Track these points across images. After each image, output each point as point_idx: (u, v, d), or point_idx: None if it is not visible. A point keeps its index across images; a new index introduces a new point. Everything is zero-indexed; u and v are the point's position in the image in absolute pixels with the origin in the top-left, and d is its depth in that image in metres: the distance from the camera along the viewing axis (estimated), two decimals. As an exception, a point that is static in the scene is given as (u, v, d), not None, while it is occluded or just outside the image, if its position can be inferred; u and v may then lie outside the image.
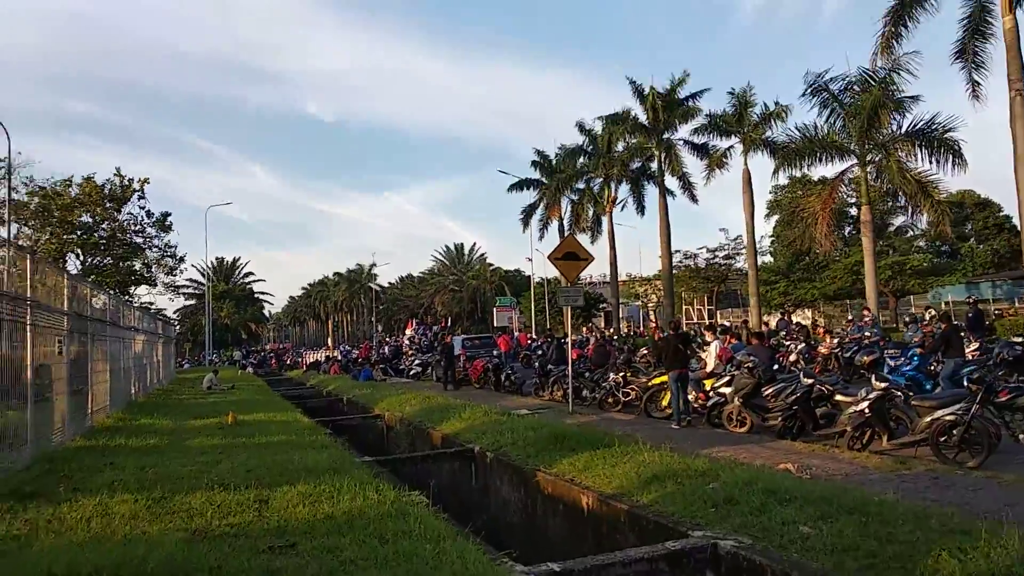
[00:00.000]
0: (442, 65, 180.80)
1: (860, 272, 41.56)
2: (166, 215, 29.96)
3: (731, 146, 29.38)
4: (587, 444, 9.36)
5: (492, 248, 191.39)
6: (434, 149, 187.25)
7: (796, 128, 24.14)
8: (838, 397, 9.98)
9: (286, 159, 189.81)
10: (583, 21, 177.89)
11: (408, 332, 65.10)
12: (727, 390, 11.81)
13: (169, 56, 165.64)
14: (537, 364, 19.64)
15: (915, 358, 14.78)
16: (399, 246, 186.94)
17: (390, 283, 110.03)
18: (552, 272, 71.94)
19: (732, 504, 6.29)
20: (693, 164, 35.83)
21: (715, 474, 7.30)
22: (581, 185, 38.64)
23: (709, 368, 12.90)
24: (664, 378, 13.21)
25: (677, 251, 61.51)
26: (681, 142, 32.02)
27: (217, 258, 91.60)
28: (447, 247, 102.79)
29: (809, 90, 22.99)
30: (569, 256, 14.41)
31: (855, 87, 22.70)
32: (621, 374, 14.62)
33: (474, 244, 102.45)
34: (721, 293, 58.81)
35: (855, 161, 23.33)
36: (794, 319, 40.49)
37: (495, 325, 61.67)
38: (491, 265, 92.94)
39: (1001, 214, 50.28)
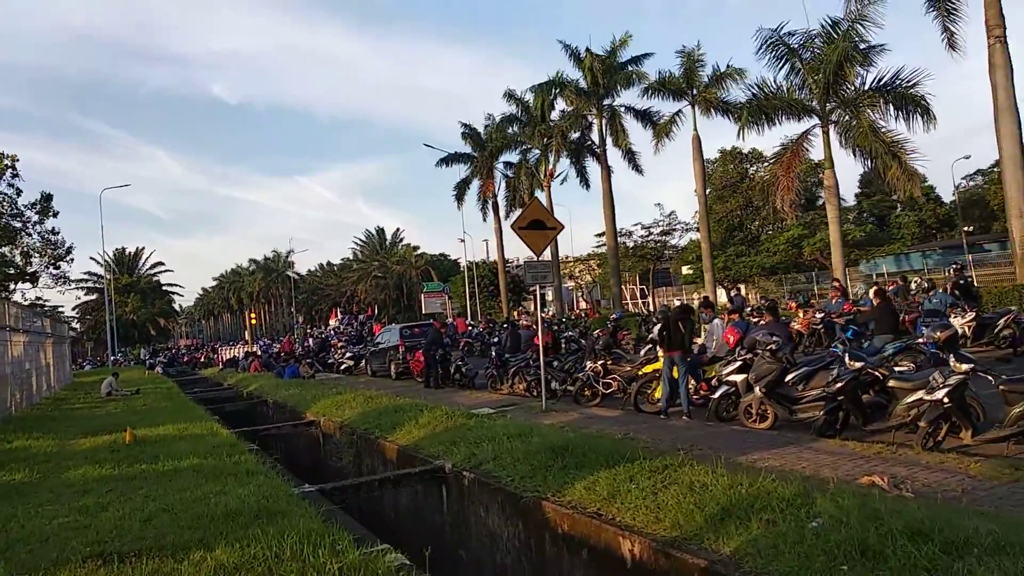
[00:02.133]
0: (351, 43, 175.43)
1: (801, 245, 41.18)
2: (48, 197, 25.98)
3: (679, 111, 27.74)
4: (599, 458, 7.26)
5: (415, 234, 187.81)
6: (346, 131, 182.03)
7: (756, 85, 22.49)
8: (892, 383, 8.21)
9: (191, 144, 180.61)
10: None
11: (332, 322, 61.92)
12: (738, 378, 9.95)
13: (58, 33, 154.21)
14: (493, 353, 17.43)
15: (849, 333, 13.61)
16: (316, 233, 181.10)
17: (309, 271, 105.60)
18: (480, 254, 69.85)
19: (875, 559, 4.29)
20: (636, 134, 34.23)
21: (806, 501, 5.32)
22: (516, 158, 36.55)
23: (712, 351, 11.01)
24: (657, 366, 11.27)
25: (602, 233, 60.76)
26: (623, 108, 30.21)
27: (118, 249, 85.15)
28: (368, 232, 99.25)
29: (765, 45, 21.43)
30: (535, 225, 12.25)
31: (816, 41, 21.27)
32: (600, 362, 12.59)
33: (397, 229, 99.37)
34: (657, 272, 57.99)
35: (816, 121, 21.94)
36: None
37: (424, 312, 59.30)
38: (416, 250, 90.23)
39: (925, 184, 51.10)
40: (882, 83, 20.29)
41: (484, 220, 41.69)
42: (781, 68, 21.55)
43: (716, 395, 10.19)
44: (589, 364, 12.76)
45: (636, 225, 50.98)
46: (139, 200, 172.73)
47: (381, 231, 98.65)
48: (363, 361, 27.14)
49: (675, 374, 10.75)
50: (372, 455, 11.34)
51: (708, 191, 53.36)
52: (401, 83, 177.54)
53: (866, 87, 20.67)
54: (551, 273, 12.04)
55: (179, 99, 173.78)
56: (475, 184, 39.45)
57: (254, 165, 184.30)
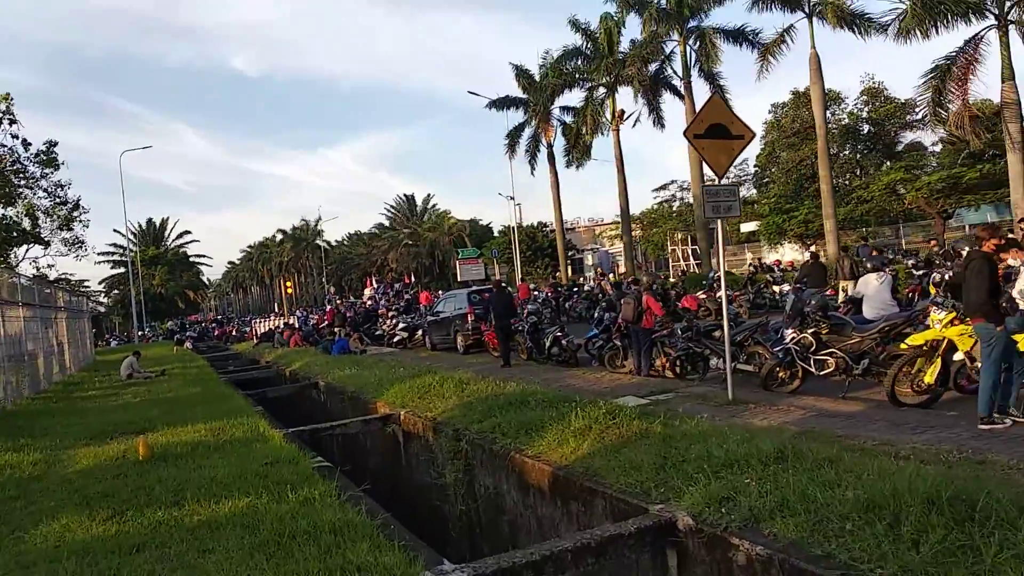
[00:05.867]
0: (369, 10, 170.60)
1: (900, 191, 36.51)
2: (51, 145, 22.34)
3: (791, 25, 23.21)
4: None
5: (442, 202, 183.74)
6: (368, 102, 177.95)
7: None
8: None
9: (213, 119, 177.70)
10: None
11: (367, 292, 58.75)
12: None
13: (78, 9, 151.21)
14: (606, 319, 13.62)
15: None
16: (341, 205, 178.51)
17: (337, 241, 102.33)
18: (506, 219, 65.85)
19: None
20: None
21: None
22: (575, 102, 32.36)
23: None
24: (933, 334, 7.36)
25: (664, 186, 56.36)
26: (713, 30, 25.77)
27: (146, 220, 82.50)
28: (398, 198, 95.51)
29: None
30: (715, 131, 8.38)
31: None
32: (811, 330, 8.70)
33: (427, 195, 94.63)
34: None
35: (990, 23, 17.43)
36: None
37: (459, 279, 55.94)
38: (448, 215, 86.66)
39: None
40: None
41: (533, 174, 37.67)
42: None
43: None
44: (791, 333, 8.88)
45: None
46: (163, 175, 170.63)
47: (411, 197, 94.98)
48: (419, 332, 23.62)
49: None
50: (499, 475, 7.62)
51: (773, 137, 48.66)
52: (421, 51, 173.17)
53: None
54: (737, 202, 8.13)
55: (199, 74, 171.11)
56: (526, 134, 35.44)
57: (276, 138, 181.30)
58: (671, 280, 27.38)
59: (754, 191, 52.33)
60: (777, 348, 9.05)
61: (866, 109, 42.99)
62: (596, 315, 15.15)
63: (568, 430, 7.17)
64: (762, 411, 7.97)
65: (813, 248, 35.37)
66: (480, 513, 8.15)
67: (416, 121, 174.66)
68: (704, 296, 19.88)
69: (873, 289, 9.82)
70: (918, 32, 17.60)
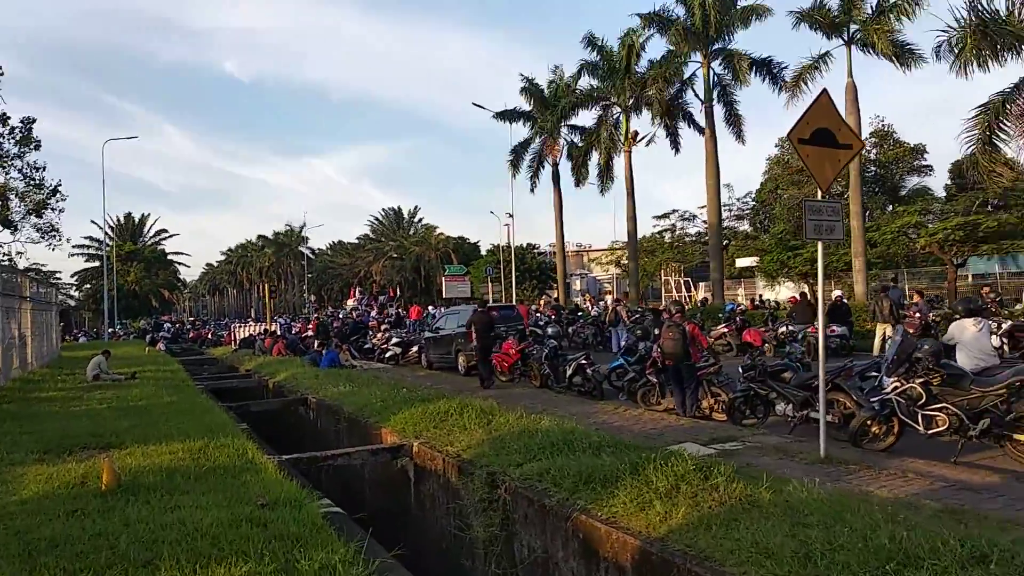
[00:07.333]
0: (363, 24, 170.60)
1: (910, 235, 35.65)
2: (30, 122, 20.55)
3: (826, 52, 22.24)
4: None
5: (429, 218, 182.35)
6: (357, 113, 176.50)
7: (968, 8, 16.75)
8: None
9: (200, 120, 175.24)
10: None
11: (350, 303, 57.22)
12: None
13: (73, 3, 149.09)
14: (640, 348, 12.21)
15: None
16: (324, 214, 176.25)
17: (320, 250, 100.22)
18: (497, 239, 64.60)
19: None
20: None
21: None
22: (583, 121, 31.18)
23: None
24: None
25: (666, 215, 55.09)
26: (740, 54, 24.77)
27: (124, 215, 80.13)
28: (384, 210, 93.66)
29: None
30: (820, 138, 7.09)
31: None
32: (920, 380, 7.34)
33: (414, 207, 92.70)
34: (699, 266, 52.51)
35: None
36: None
37: (444, 296, 54.47)
38: (435, 230, 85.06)
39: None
40: None
41: (533, 191, 36.52)
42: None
43: None
44: (894, 382, 7.51)
45: (702, 208, 45.29)
46: (145, 172, 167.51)
47: (398, 210, 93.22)
48: (413, 349, 22.04)
49: None
50: (553, 537, 6.11)
51: (777, 173, 47.71)
52: (413, 66, 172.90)
53: None
54: (841, 222, 6.79)
55: (190, 74, 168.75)
56: (531, 150, 34.20)
57: (262, 144, 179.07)
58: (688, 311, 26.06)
59: (749, 228, 51.62)
60: (874, 398, 7.67)
61: (874, 151, 42.39)
62: (624, 344, 13.77)
63: (650, 489, 5.73)
64: (869, 475, 6.58)
65: (804, 289, 34.29)
66: (521, 581, 6.64)
67: (403, 137, 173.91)
68: (726, 330, 18.62)
69: (971, 336, 8.51)
70: (975, 63, 16.53)
